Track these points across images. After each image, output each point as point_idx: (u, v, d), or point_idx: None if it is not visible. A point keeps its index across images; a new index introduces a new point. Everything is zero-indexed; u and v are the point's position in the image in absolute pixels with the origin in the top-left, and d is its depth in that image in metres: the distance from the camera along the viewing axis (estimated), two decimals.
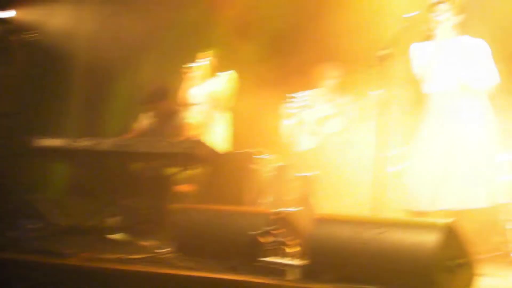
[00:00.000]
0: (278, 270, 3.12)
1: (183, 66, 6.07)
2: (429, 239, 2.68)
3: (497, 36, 6.11)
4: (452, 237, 2.76)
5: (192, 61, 6.10)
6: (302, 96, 5.52)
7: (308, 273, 3.05)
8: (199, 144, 4.72)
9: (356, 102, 6.25)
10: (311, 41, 7.36)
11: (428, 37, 4.54)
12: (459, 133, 4.45)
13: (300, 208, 5.22)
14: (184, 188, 5.39)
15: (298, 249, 3.28)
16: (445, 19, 4.48)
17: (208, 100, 5.97)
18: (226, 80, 5.98)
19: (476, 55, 4.52)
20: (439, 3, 4.51)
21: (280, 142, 6.42)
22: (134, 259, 3.62)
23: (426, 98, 4.69)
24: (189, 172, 5.17)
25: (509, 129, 6.02)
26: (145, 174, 5.24)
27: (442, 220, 2.77)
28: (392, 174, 6.79)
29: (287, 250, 3.26)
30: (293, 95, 5.57)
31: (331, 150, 6.24)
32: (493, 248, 5.30)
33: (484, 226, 5.44)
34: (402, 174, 4.87)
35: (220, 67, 6.10)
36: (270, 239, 3.28)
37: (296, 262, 3.16)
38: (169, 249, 3.78)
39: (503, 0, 6.09)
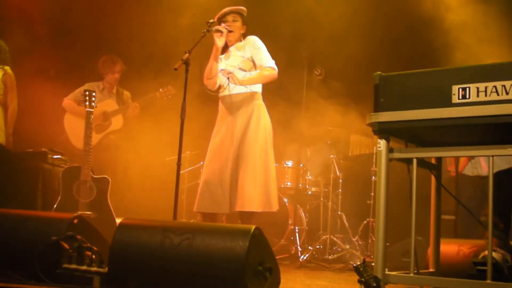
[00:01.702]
0: (83, 278, 3.03)
1: None
2: (239, 245, 2.74)
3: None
4: (259, 242, 2.87)
5: None
6: (86, 91, 5.41)
7: (112, 280, 2.98)
8: None
9: (140, 99, 6.27)
10: (96, 35, 7.25)
11: (217, 44, 4.78)
12: (240, 138, 4.72)
13: (98, 211, 5.10)
14: None
15: (102, 255, 3.20)
16: (234, 28, 4.86)
17: None
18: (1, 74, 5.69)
19: (255, 49, 4.86)
20: (228, 13, 4.87)
21: (67, 140, 6.18)
22: None
23: (220, 102, 4.93)
24: None
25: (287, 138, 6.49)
26: None
27: (249, 226, 2.87)
28: (188, 176, 6.93)
29: (92, 256, 3.16)
30: (79, 89, 5.44)
31: (114, 148, 6.17)
32: (281, 251, 5.69)
33: (272, 229, 5.80)
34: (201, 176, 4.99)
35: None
36: (74, 244, 3.15)
37: (100, 269, 3.08)
38: None
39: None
